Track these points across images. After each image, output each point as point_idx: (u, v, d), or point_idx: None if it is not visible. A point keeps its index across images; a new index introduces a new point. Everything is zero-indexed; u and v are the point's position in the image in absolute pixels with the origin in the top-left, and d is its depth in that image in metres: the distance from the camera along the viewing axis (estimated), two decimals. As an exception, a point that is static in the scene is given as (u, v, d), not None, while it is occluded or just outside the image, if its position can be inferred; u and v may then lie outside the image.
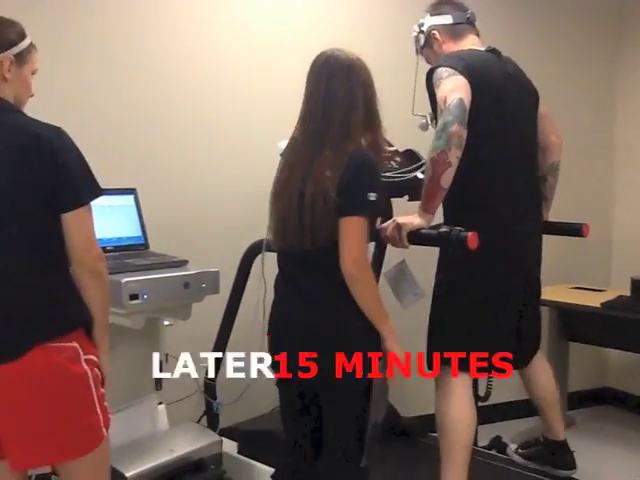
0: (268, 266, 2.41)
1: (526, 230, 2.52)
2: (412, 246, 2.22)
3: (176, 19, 3.02)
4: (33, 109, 1.83)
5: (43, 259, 1.71)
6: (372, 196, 1.90)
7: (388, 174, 2.45)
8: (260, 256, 2.63)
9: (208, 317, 2.77)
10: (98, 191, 1.78)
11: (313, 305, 1.99)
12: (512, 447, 2.96)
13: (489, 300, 2.44)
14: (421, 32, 2.64)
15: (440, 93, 2.32)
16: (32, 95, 1.87)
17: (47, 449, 1.73)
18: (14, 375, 1.66)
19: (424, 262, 2.53)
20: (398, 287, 2.51)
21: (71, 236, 1.72)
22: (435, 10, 2.63)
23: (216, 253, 2.83)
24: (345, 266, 1.90)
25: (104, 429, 1.80)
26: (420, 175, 2.55)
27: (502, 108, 2.43)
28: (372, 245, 2.12)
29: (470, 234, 2.06)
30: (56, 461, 1.81)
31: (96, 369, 1.78)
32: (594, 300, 3.28)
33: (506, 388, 2.86)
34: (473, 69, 2.36)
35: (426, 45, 2.64)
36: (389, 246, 2.40)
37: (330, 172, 1.90)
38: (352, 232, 1.90)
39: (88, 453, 1.77)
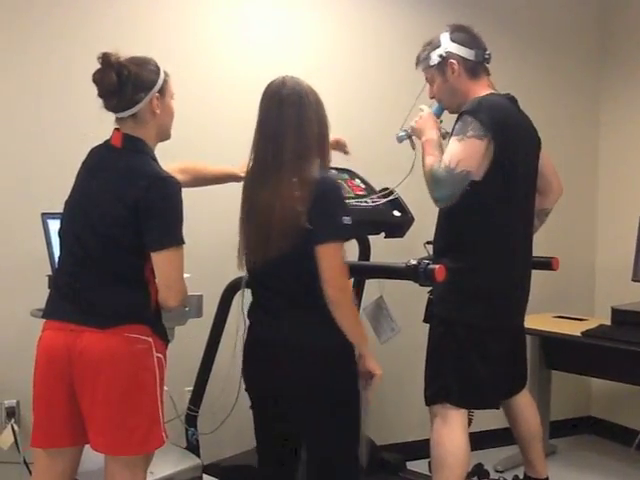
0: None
1: (524, 275, 2.61)
2: (390, 282, 2.25)
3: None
4: None
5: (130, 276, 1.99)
6: (346, 219, 1.94)
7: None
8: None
9: (192, 340, 2.79)
10: (174, 241, 1.96)
11: (283, 320, 2.01)
12: None
13: (488, 334, 2.49)
14: (437, 52, 2.52)
15: (455, 149, 2.34)
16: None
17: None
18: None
19: (401, 298, 2.56)
20: (376, 322, 2.54)
21: (156, 271, 1.96)
22: (458, 37, 2.52)
23: (201, 279, 2.83)
24: (330, 292, 1.92)
25: None
26: (397, 213, 2.60)
27: (516, 166, 2.46)
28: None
29: (437, 267, 2.09)
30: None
31: None
32: (575, 329, 3.30)
33: (488, 416, 2.87)
34: (503, 127, 2.38)
35: (437, 67, 2.54)
36: (367, 282, 2.42)
37: (299, 202, 1.91)
38: (332, 258, 1.92)
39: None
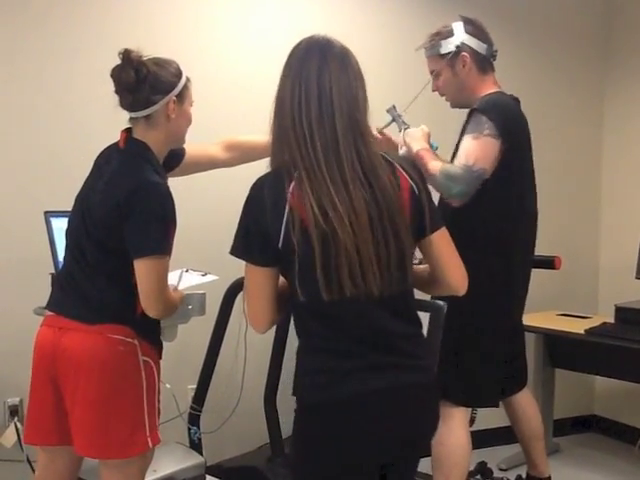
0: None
1: (524, 274, 2.63)
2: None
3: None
4: None
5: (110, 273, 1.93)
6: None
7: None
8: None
9: (195, 339, 2.79)
10: (156, 250, 1.86)
11: (411, 356, 1.59)
12: None
13: (486, 332, 2.50)
14: (451, 41, 2.46)
15: (472, 147, 2.33)
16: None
17: None
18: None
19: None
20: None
21: (137, 279, 1.87)
22: (472, 30, 2.49)
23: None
24: (463, 282, 1.66)
25: None
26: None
27: (524, 163, 2.49)
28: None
29: None
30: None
31: None
32: (579, 327, 3.29)
33: (491, 414, 2.86)
34: (512, 127, 2.39)
35: (448, 60, 2.48)
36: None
37: (412, 186, 1.56)
38: (452, 243, 1.65)
39: None
